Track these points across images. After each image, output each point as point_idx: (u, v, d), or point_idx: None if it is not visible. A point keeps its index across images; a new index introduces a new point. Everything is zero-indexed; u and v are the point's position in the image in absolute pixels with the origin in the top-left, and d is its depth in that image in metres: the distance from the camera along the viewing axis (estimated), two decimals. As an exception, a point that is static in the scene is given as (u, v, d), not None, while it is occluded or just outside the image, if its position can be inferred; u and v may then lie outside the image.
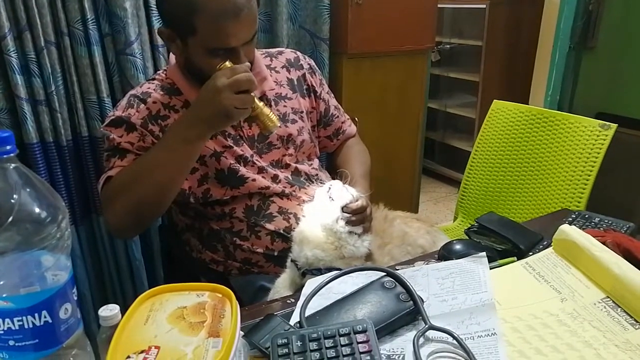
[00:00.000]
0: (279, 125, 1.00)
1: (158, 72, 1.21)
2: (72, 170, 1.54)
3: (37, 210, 0.51)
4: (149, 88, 1.14)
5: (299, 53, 1.31)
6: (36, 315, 0.52)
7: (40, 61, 1.39)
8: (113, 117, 1.09)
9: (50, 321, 0.53)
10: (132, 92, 1.14)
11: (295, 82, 1.25)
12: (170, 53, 1.15)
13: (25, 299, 0.51)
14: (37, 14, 1.34)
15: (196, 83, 1.09)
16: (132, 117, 1.08)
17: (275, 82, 1.21)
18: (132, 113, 1.08)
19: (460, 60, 3.32)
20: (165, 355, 0.57)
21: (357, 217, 0.98)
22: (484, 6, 2.91)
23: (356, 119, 2.09)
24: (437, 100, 3.47)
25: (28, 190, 0.51)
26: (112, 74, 1.53)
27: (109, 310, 0.63)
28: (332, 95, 1.36)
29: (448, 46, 3.32)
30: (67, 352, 0.58)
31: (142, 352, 0.58)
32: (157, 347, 0.59)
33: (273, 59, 1.25)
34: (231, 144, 1.13)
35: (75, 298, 0.57)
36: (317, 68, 1.32)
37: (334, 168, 1.32)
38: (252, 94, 0.94)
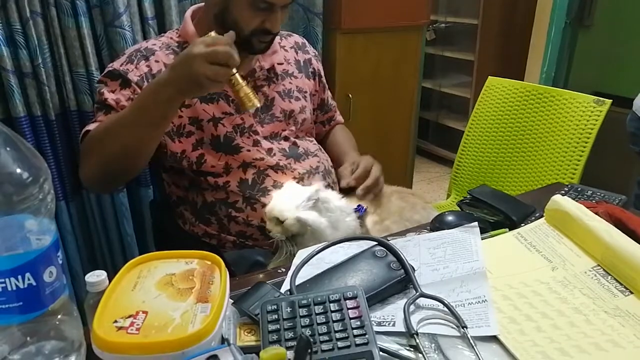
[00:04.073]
0: (258, 105, 0.96)
1: (170, 30, 1.21)
2: (61, 145, 1.52)
3: (18, 170, 0.50)
4: (154, 45, 1.14)
5: (305, 40, 1.36)
6: (19, 277, 0.51)
7: (26, 32, 1.35)
8: (111, 69, 1.09)
9: (34, 284, 0.52)
10: (136, 46, 1.14)
11: (302, 64, 1.28)
12: (187, 12, 1.16)
13: (7, 260, 0.50)
14: (21, -18, 1.31)
15: None
16: (129, 72, 1.07)
17: (284, 58, 1.24)
18: (130, 69, 1.08)
19: (456, 39, 3.29)
20: (153, 319, 0.57)
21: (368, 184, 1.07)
22: (479, -17, 2.87)
23: (350, 95, 2.09)
24: (432, 79, 3.44)
25: (8, 149, 0.49)
26: (100, 47, 1.50)
27: (95, 276, 0.63)
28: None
29: (443, 25, 3.29)
30: (53, 317, 0.57)
31: (129, 316, 0.57)
32: (145, 312, 0.58)
33: (283, 38, 1.28)
34: (232, 111, 1.13)
35: (61, 262, 0.56)
36: (320, 58, 1.38)
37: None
38: (234, 70, 0.91)
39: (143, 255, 0.68)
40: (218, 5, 1.07)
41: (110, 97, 1.06)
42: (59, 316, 0.58)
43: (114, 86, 1.07)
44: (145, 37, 1.56)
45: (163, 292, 0.62)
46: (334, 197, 1.03)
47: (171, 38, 1.16)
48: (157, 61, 1.10)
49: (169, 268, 0.67)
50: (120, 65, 1.08)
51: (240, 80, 0.94)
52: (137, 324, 0.56)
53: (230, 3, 1.05)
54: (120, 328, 0.55)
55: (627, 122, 1.55)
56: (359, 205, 1.06)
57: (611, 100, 1.41)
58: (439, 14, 3.27)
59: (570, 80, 2.59)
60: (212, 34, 0.93)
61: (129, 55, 1.11)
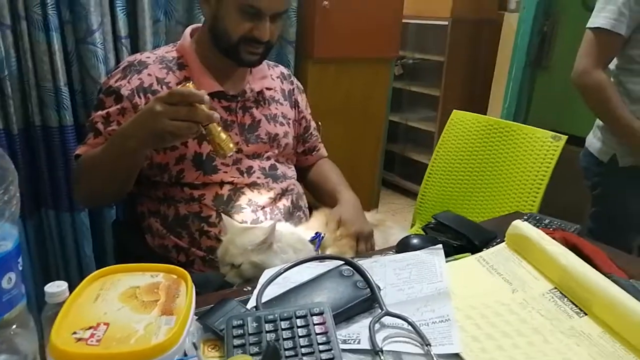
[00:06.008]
0: (233, 150, 0.96)
1: (169, 44, 1.23)
2: (22, 161, 1.48)
3: (-17, 171, 0.49)
4: (148, 58, 1.15)
5: (290, 72, 1.40)
6: (-24, 282, 0.49)
7: (-7, 44, 1.33)
8: (107, 86, 1.13)
9: (-9, 290, 0.50)
10: (131, 58, 1.16)
11: (287, 93, 1.32)
12: (187, 29, 1.20)
13: (-36, 263, 0.48)
14: (-8, -6, 1.30)
15: (211, 58, 1.14)
16: (122, 88, 1.10)
17: (272, 85, 1.28)
18: (122, 84, 1.11)
19: (422, 75, 3.40)
20: (115, 331, 0.55)
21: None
22: (446, 23, 3.01)
23: (319, 123, 2.12)
24: (398, 113, 3.54)
25: (-26, 149, 0.48)
26: (70, 63, 1.48)
27: (56, 287, 0.60)
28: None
29: (411, 61, 3.41)
30: (7, 329, 0.55)
31: (90, 327, 0.55)
32: (107, 324, 0.57)
33: (271, 68, 1.32)
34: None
35: (21, 269, 0.54)
36: (303, 90, 1.41)
37: (306, 182, 1.38)
38: (215, 116, 0.91)
39: (107, 268, 0.67)
40: (210, 15, 1.10)
41: (100, 120, 1.10)
42: (14, 327, 0.55)
43: (109, 102, 1.11)
44: (117, 55, 1.55)
45: (126, 305, 0.60)
46: (286, 233, 1.00)
47: (167, 52, 1.18)
48: (149, 74, 1.12)
49: (133, 281, 0.65)
50: (115, 82, 1.12)
51: (217, 128, 0.92)
52: (98, 336, 0.54)
53: (220, 10, 1.08)
54: (79, 339, 0.54)
55: (580, 157, 1.64)
56: (316, 233, 1.07)
57: (567, 136, 1.48)
58: (407, 50, 3.39)
59: (530, 118, 2.70)
60: (189, 85, 0.92)
61: (124, 69, 1.14)
